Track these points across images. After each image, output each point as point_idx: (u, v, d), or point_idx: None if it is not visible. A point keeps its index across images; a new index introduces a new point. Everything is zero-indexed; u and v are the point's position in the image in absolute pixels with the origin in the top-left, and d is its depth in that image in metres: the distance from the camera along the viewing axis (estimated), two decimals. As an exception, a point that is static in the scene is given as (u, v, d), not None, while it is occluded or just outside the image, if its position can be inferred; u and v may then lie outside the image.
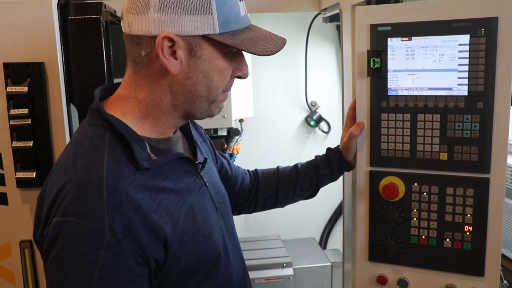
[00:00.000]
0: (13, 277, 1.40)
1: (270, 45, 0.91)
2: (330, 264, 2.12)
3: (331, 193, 1.98)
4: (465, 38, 1.06)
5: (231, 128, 2.18)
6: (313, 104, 2.62)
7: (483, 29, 1.04)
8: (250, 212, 1.36)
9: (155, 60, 0.85)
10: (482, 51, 1.05)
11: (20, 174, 1.30)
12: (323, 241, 2.74)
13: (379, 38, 1.14)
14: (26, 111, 1.28)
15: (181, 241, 0.87)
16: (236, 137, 2.25)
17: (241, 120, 2.30)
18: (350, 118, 1.26)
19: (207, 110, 0.93)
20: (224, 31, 0.85)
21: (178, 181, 0.91)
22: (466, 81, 1.08)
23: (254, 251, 2.17)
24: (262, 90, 2.54)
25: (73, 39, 1.33)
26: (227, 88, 0.94)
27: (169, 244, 0.85)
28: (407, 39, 1.12)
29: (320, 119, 2.62)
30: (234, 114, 2.07)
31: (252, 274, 1.90)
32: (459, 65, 1.08)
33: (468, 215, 1.12)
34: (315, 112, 2.61)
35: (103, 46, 1.35)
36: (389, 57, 1.14)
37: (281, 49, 0.92)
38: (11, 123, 1.28)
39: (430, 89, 1.12)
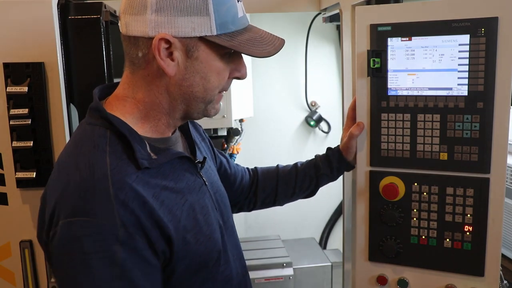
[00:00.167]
0: (13, 277, 1.40)
1: (268, 46, 0.90)
2: (330, 264, 2.12)
3: (331, 193, 1.98)
4: (465, 38, 1.06)
5: (231, 128, 2.18)
6: (313, 104, 2.62)
7: (483, 29, 1.04)
8: (249, 210, 1.36)
9: (152, 61, 0.85)
10: (482, 51, 1.05)
11: (20, 174, 1.30)
12: (323, 241, 2.74)
13: (379, 38, 1.14)
14: (26, 111, 1.27)
15: (184, 240, 0.87)
16: (236, 137, 2.25)
17: (241, 120, 2.29)
18: (350, 118, 1.26)
19: (203, 110, 0.93)
20: (221, 32, 0.85)
21: (178, 180, 0.91)
22: (466, 81, 1.08)
23: (254, 251, 2.17)
24: (262, 90, 2.54)
25: (73, 39, 1.33)
26: (224, 89, 0.94)
27: (172, 243, 0.85)
28: (407, 39, 1.12)
29: (320, 119, 2.62)
30: (234, 114, 2.07)
31: (252, 274, 1.90)
32: (459, 65, 1.08)
33: (468, 215, 1.12)
34: (315, 112, 2.61)
35: (103, 46, 1.35)
36: (389, 57, 1.14)
37: (278, 50, 0.91)
38: (11, 123, 1.28)
39: (430, 89, 1.12)
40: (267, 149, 2.62)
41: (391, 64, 1.15)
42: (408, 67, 1.13)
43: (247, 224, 2.70)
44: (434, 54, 1.10)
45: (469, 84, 1.08)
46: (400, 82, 1.15)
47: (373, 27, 1.14)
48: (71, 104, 1.36)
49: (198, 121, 1.04)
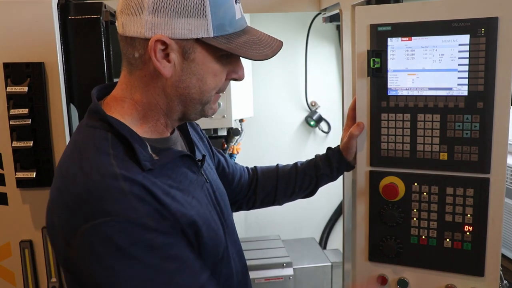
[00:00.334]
0: (13, 277, 1.40)
1: (266, 49, 0.90)
2: (330, 264, 2.12)
3: (331, 193, 1.98)
4: (465, 38, 1.06)
5: (231, 128, 2.18)
6: (313, 104, 2.62)
7: (483, 29, 1.04)
8: (248, 209, 1.36)
9: (149, 62, 0.85)
10: (482, 51, 1.05)
11: (20, 174, 1.30)
12: (323, 241, 2.74)
13: (379, 38, 1.14)
14: (26, 111, 1.28)
15: (196, 234, 0.87)
16: (236, 137, 2.25)
17: (241, 120, 2.30)
18: (350, 118, 1.26)
19: (200, 111, 0.93)
20: (218, 34, 0.84)
21: (182, 179, 0.91)
22: (466, 81, 1.08)
23: (254, 251, 2.17)
24: (262, 90, 2.54)
25: (73, 39, 1.33)
26: (222, 90, 0.94)
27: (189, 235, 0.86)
28: (407, 39, 1.12)
29: (320, 119, 2.62)
30: (234, 114, 2.07)
31: (252, 274, 1.90)
32: (459, 65, 1.08)
33: (468, 215, 1.12)
34: (315, 112, 2.61)
35: (103, 46, 1.35)
36: (389, 57, 1.14)
37: (276, 53, 0.91)
38: (11, 123, 1.28)
39: (430, 89, 1.12)
40: (267, 149, 2.62)
41: (391, 64, 1.15)
42: (408, 67, 1.13)
43: (247, 224, 2.70)
44: (434, 54, 1.10)
45: (469, 84, 1.08)
46: (400, 82, 1.15)
47: (373, 27, 1.14)
48: (71, 104, 1.36)
49: (199, 121, 1.04)
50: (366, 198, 1.23)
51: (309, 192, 1.33)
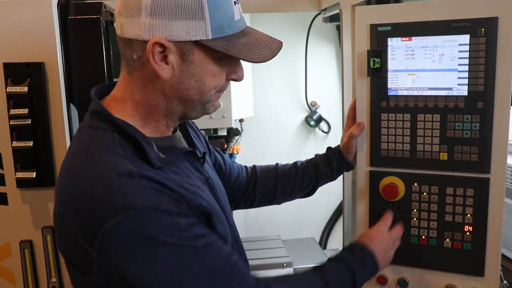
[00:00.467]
0: (13, 277, 1.40)
1: (264, 51, 0.89)
2: (330, 264, 2.11)
3: (331, 193, 1.98)
4: (465, 38, 1.06)
5: (231, 128, 2.18)
6: (313, 104, 2.62)
7: (483, 29, 1.04)
8: (246, 207, 1.36)
9: (147, 64, 0.85)
10: (482, 51, 1.05)
11: (20, 174, 1.30)
12: (323, 241, 2.74)
13: (379, 38, 1.14)
14: (26, 111, 1.28)
15: (212, 223, 0.89)
16: (236, 137, 2.25)
17: (241, 120, 2.29)
18: (350, 118, 1.26)
19: (201, 110, 0.93)
20: (217, 36, 0.84)
21: (189, 175, 0.92)
22: (466, 81, 1.08)
23: (254, 251, 2.17)
24: (262, 90, 2.54)
25: (73, 39, 1.33)
26: (222, 90, 0.93)
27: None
28: (407, 39, 1.12)
29: (320, 119, 2.61)
30: (234, 114, 2.07)
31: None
32: (459, 65, 1.08)
33: (468, 215, 1.12)
34: (315, 112, 2.60)
35: (103, 46, 1.35)
36: (389, 57, 1.14)
37: (275, 55, 0.90)
38: (11, 123, 1.28)
39: (430, 89, 1.12)
40: (267, 149, 2.62)
41: (391, 64, 1.15)
42: (408, 67, 1.13)
43: (247, 224, 2.70)
44: (434, 54, 1.10)
45: (469, 84, 1.08)
46: (400, 82, 1.15)
47: (373, 27, 1.14)
48: (71, 104, 1.36)
49: (198, 120, 1.04)
50: (366, 198, 1.23)
51: (308, 191, 1.33)
